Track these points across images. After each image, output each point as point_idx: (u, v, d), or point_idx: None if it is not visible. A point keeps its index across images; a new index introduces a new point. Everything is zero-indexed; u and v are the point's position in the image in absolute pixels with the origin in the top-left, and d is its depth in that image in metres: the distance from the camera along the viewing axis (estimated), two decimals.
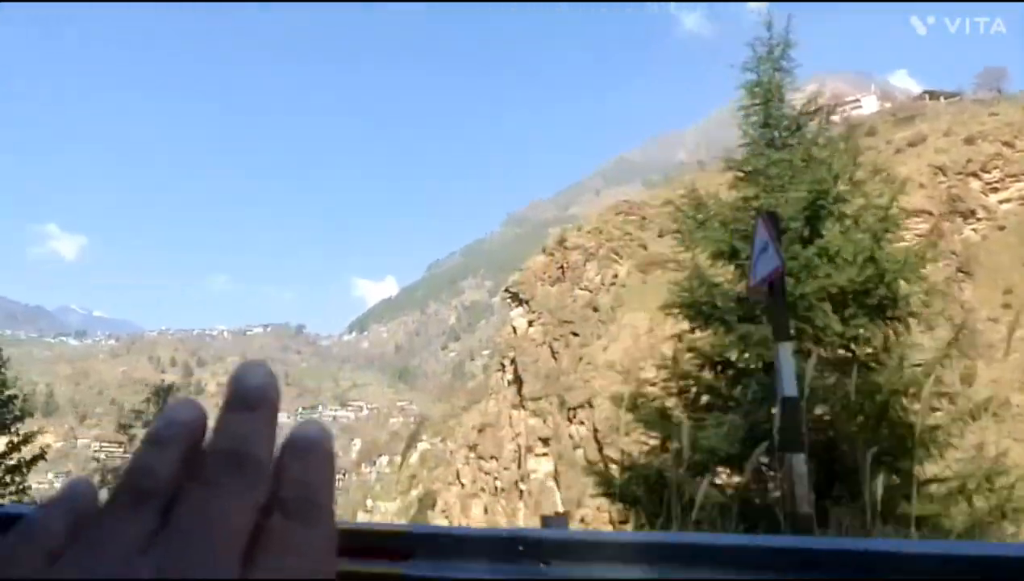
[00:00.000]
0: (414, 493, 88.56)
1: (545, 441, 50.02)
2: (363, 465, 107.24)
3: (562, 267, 56.55)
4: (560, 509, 49.20)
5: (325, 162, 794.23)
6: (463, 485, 72.59)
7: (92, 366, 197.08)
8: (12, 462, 16.28)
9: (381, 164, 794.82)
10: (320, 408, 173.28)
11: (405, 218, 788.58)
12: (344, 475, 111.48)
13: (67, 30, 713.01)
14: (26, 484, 16.91)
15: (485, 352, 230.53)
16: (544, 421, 50.34)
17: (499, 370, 67.88)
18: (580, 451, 46.76)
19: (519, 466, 55.40)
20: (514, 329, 57.44)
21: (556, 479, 48.34)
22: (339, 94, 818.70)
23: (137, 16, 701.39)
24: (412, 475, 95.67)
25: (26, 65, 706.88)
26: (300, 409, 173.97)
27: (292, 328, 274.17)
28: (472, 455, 71.68)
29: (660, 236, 58.17)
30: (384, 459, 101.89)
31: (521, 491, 53.72)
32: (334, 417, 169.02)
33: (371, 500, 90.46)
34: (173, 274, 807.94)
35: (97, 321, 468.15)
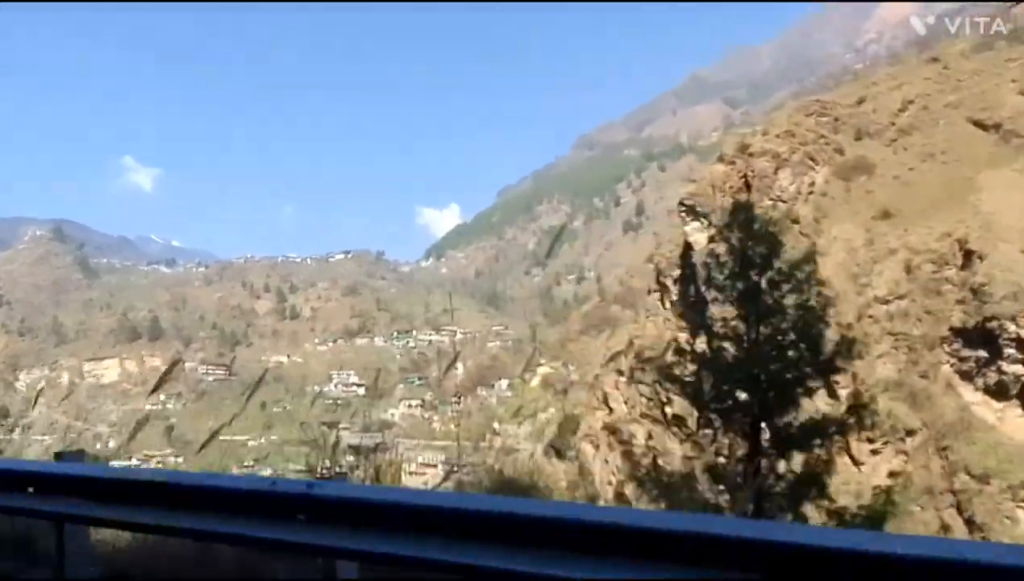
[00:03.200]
0: (543, 416, 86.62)
1: None
2: (479, 388, 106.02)
3: (745, 176, 51.30)
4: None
5: (384, 90, 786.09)
6: (611, 410, 69.84)
7: (188, 292, 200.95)
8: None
9: (442, 90, 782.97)
10: (414, 333, 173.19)
11: (468, 144, 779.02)
12: (459, 398, 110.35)
13: None
14: None
15: (571, 277, 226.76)
16: None
17: (656, 291, 63.82)
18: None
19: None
20: (689, 245, 52.83)
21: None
22: (395, 23, 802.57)
23: None
24: (534, 399, 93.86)
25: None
26: (395, 334, 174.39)
27: (373, 254, 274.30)
28: (622, 379, 68.63)
29: (857, 138, 52.29)
30: (504, 382, 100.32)
31: (706, 418, 50.35)
32: (429, 341, 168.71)
33: (497, 423, 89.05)
34: (243, 204, 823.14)
35: (176, 250, 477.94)
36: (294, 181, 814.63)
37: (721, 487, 11.88)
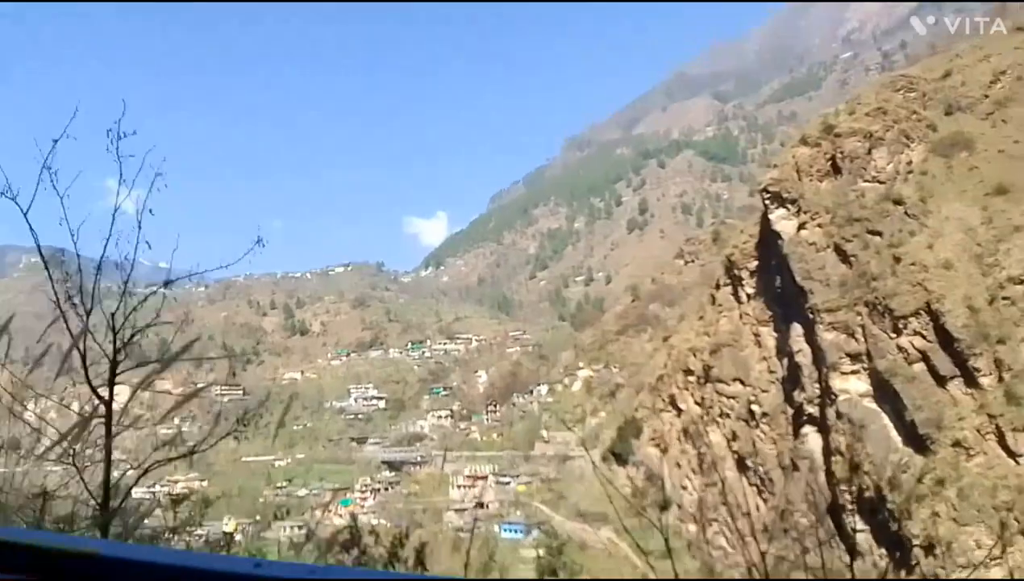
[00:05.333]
0: (593, 421, 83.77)
1: (855, 357, 43.58)
2: (515, 395, 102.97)
3: (833, 158, 48.98)
4: (895, 437, 42.90)
5: (365, 100, 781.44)
6: (680, 411, 67.18)
7: (192, 312, 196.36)
8: None
9: (424, 101, 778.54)
10: (428, 343, 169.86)
11: (453, 152, 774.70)
12: (494, 406, 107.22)
13: None
14: None
15: (578, 279, 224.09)
16: (851, 334, 43.76)
17: (727, 285, 61.34)
18: (919, 365, 40.36)
19: (797, 387, 49.32)
20: (777, 234, 50.34)
21: (878, 399, 42.09)
22: (371, 31, 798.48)
23: None
24: (578, 403, 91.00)
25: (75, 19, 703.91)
26: (409, 344, 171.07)
27: (373, 266, 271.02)
28: (692, 379, 65.96)
29: (948, 113, 50.02)
30: (543, 388, 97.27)
31: (807, 415, 47.75)
32: (445, 350, 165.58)
33: (545, 431, 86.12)
34: (229, 221, 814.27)
35: (163, 271, 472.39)
36: (281, 195, 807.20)
37: None
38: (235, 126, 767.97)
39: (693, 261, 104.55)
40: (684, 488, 65.52)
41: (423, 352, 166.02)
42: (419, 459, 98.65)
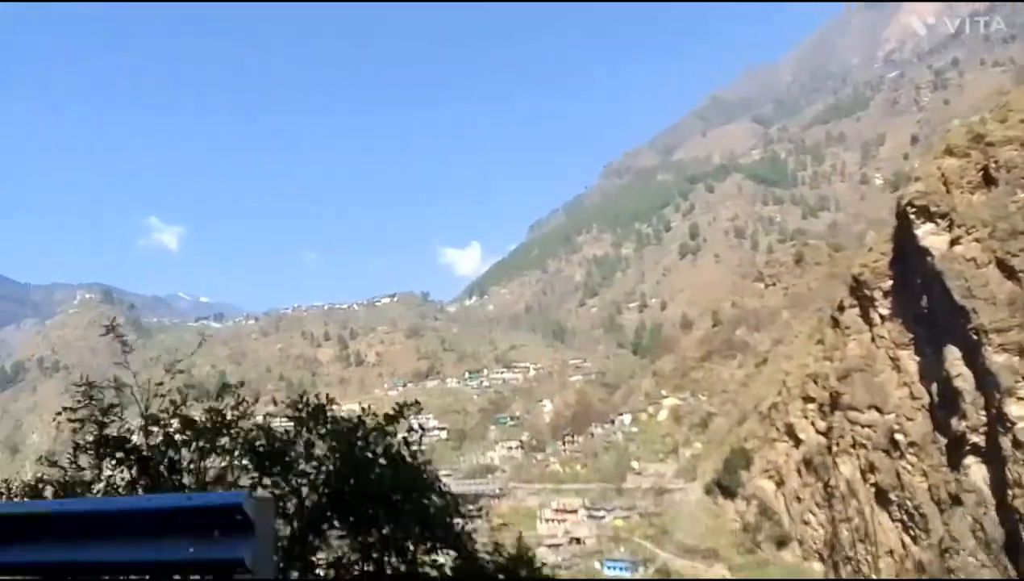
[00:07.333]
0: (687, 452, 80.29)
1: None
2: (594, 424, 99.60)
3: (985, 168, 46.01)
4: None
5: (400, 136, 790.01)
6: (799, 441, 63.67)
7: (247, 346, 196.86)
8: None
9: (456, 133, 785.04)
10: (486, 372, 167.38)
11: (488, 183, 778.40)
12: (571, 436, 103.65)
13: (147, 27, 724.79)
14: None
15: (631, 305, 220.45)
16: None
17: (852, 306, 58.13)
18: None
19: (954, 414, 45.85)
20: (924, 250, 47.27)
21: None
22: (405, 66, 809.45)
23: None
24: (666, 433, 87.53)
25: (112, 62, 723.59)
26: (466, 374, 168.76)
27: (418, 296, 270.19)
28: (813, 407, 62.54)
29: None
30: (627, 417, 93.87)
31: (971, 444, 44.26)
32: (503, 379, 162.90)
33: (636, 462, 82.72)
34: (266, 256, 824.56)
35: (204, 306, 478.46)
36: (315, 229, 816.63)
37: None
38: (264, 161, 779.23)
39: (774, 284, 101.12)
40: (806, 523, 61.85)
41: (481, 382, 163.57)
42: (497, 491, 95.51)
